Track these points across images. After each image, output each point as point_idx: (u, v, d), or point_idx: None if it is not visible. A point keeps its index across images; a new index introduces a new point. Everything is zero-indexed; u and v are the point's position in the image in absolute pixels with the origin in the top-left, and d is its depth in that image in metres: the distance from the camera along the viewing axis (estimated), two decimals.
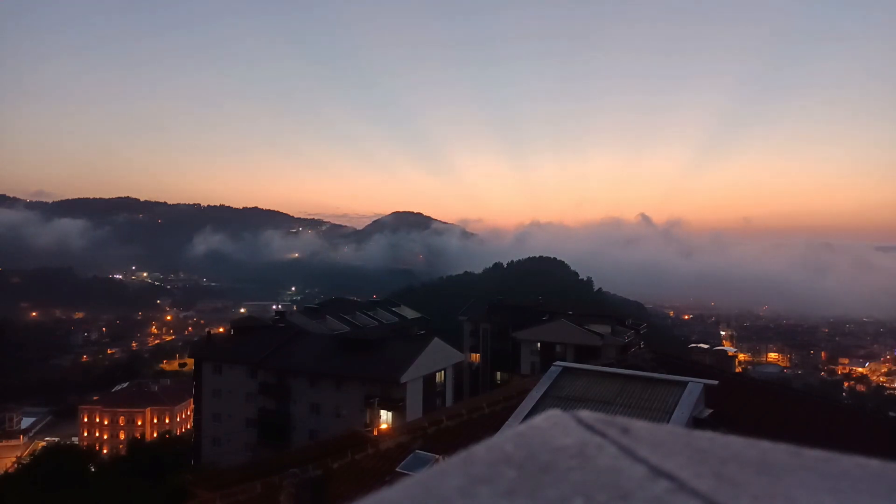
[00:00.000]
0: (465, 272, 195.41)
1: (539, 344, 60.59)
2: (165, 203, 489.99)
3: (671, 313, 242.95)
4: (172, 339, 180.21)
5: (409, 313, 78.02)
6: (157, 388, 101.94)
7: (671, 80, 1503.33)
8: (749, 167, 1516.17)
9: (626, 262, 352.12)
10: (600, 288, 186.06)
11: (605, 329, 59.52)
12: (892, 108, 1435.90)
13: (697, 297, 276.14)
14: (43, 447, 61.93)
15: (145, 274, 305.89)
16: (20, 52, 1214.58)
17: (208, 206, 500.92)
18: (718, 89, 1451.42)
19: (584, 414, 0.91)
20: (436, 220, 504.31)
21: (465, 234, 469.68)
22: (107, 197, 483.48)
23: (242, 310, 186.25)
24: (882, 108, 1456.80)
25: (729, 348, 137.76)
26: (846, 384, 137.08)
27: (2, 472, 50.31)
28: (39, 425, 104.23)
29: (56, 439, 78.28)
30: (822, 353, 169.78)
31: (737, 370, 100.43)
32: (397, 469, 12.33)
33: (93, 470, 50.13)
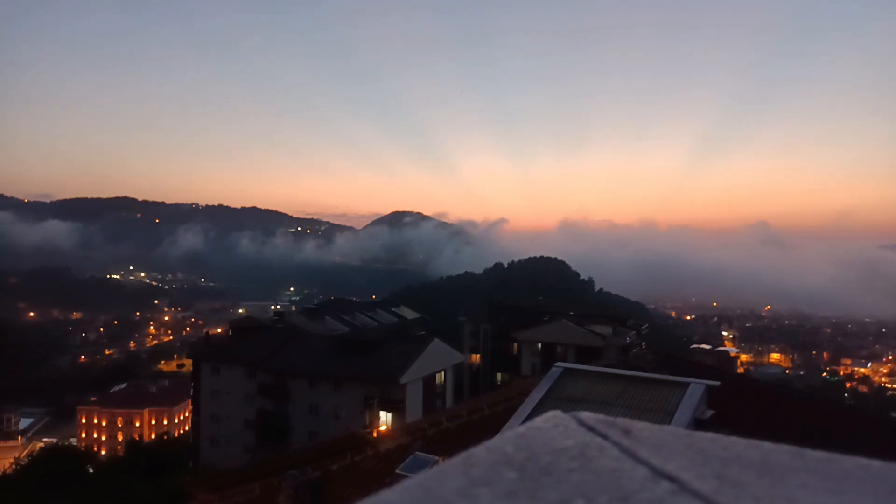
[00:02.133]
0: (466, 272, 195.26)
1: (540, 344, 60.49)
2: (163, 203, 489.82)
3: (673, 314, 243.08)
4: (170, 339, 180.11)
5: (409, 314, 77.94)
6: (155, 388, 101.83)
7: (671, 79, 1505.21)
8: (750, 166, 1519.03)
9: (626, 262, 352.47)
10: (601, 288, 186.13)
11: (606, 330, 59.45)
12: (894, 106, 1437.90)
13: (699, 298, 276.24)
14: (41, 448, 61.98)
15: (143, 274, 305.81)
16: (18, 52, 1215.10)
17: (206, 205, 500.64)
18: (719, 87, 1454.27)
19: (586, 415, 0.91)
20: (436, 219, 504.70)
21: (466, 234, 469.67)
22: (104, 197, 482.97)
23: (241, 310, 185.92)
24: (885, 105, 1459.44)
25: (731, 349, 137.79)
26: (848, 385, 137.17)
27: (0, 473, 50.15)
28: (37, 426, 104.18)
29: (54, 440, 78.22)
30: (825, 354, 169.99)
31: (738, 371, 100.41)
32: (397, 471, 12.19)
33: (91, 471, 50.06)
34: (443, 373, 50.57)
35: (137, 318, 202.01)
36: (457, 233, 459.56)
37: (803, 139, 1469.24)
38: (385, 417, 44.04)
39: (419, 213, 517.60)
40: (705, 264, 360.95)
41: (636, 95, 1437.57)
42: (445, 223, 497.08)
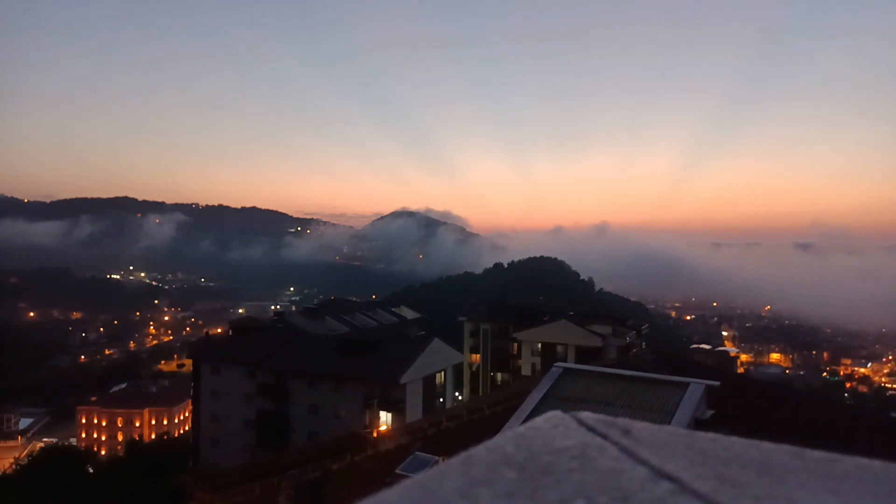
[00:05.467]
0: (465, 272, 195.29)
1: (540, 344, 60.45)
2: (163, 203, 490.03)
3: (673, 314, 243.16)
4: (170, 339, 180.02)
5: (409, 314, 77.94)
6: (155, 388, 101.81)
7: (666, 80, 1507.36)
8: (745, 167, 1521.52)
9: (626, 262, 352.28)
10: (601, 288, 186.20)
11: (606, 330, 59.36)
12: (887, 107, 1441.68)
13: (699, 298, 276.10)
14: (41, 448, 61.88)
15: (143, 274, 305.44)
16: (21, 53, 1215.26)
17: (206, 205, 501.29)
18: (715, 90, 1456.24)
19: (586, 415, 0.91)
20: (436, 219, 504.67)
21: (465, 234, 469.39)
22: (105, 197, 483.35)
23: (241, 310, 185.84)
24: (877, 106, 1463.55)
25: (731, 349, 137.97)
26: (848, 385, 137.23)
27: (0, 473, 50.13)
28: (37, 426, 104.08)
29: (54, 440, 78.15)
30: (825, 354, 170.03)
31: (739, 371, 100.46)
32: (397, 471, 12.18)
33: (91, 471, 50.05)
34: (443, 373, 50.54)
35: (137, 318, 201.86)
36: (457, 233, 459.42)
37: (797, 140, 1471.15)
38: (385, 417, 44.02)
39: (419, 213, 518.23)
40: (703, 264, 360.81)
41: (633, 98, 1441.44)
42: (446, 223, 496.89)
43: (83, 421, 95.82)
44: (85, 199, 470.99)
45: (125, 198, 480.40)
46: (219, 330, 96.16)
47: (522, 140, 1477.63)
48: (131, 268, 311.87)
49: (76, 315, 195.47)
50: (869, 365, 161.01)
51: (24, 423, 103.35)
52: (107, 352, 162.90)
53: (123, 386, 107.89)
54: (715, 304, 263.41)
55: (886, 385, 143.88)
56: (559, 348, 57.96)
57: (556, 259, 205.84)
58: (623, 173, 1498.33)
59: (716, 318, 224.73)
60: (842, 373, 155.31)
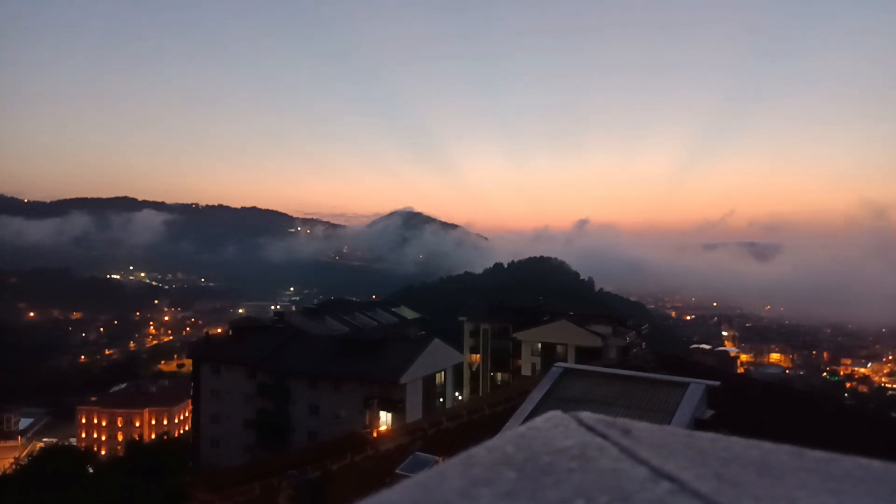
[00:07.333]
0: (465, 272, 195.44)
1: (540, 344, 60.47)
2: (163, 203, 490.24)
3: (673, 314, 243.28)
4: (170, 339, 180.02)
5: (409, 314, 77.95)
6: (155, 388, 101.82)
7: (666, 78, 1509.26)
8: (744, 166, 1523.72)
9: (625, 262, 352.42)
10: (601, 288, 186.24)
11: (606, 330, 59.39)
12: (887, 106, 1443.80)
13: (699, 298, 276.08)
14: (41, 448, 61.82)
15: (143, 274, 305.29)
16: (20, 53, 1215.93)
17: (206, 205, 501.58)
18: (715, 87, 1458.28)
19: (586, 415, 0.91)
20: (436, 219, 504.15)
21: (466, 234, 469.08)
22: (104, 197, 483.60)
23: (241, 310, 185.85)
24: (877, 105, 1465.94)
25: (731, 349, 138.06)
26: (848, 385, 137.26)
27: (0, 473, 50.12)
28: (37, 426, 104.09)
29: (54, 440, 78.10)
30: (825, 354, 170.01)
31: (739, 371, 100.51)
32: (397, 471, 12.17)
33: (91, 471, 50.00)
34: (443, 373, 50.55)
35: (137, 318, 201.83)
36: (457, 233, 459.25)
37: (797, 138, 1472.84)
38: (385, 417, 44.03)
39: (419, 213, 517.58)
40: (705, 264, 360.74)
41: (633, 95, 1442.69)
42: (445, 223, 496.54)
43: (83, 421, 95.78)
44: (85, 199, 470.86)
45: (125, 197, 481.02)
46: (219, 330, 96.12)
47: (525, 139, 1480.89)
48: (131, 268, 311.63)
49: (76, 315, 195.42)
50: (869, 365, 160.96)
51: (24, 423, 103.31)
52: (107, 352, 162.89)
53: (123, 386, 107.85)
54: (715, 304, 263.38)
55: (886, 385, 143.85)
56: (559, 348, 57.99)
57: (555, 259, 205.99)
58: (621, 172, 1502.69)
59: (716, 318, 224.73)
60: (842, 373, 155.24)
